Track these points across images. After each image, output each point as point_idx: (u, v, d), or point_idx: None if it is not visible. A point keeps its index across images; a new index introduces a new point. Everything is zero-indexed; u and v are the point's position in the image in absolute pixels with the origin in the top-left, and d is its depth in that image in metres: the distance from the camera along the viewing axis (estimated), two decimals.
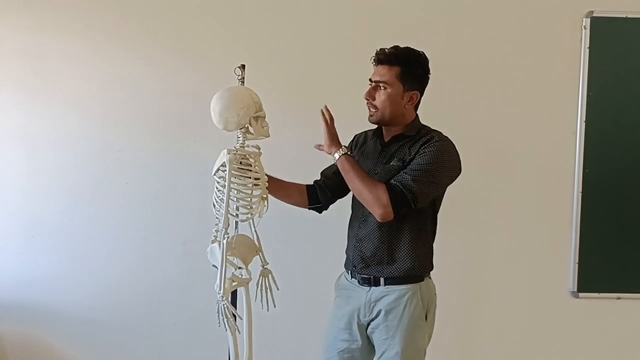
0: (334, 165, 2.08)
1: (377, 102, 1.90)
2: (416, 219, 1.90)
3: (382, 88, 1.89)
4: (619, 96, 2.65)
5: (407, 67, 1.88)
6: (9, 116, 2.68)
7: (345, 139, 2.12)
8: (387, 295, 1.90)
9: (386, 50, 1.89)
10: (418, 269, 1.92)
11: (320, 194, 2.10)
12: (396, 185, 1.81)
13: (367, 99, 1.92)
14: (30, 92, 2.67)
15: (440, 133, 1.94)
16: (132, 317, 2.75)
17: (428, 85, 1.91)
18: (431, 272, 1.98)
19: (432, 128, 1.97)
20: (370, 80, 1.93)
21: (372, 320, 1.94)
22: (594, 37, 2.62)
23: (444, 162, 1.85)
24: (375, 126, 2.03)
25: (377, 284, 1.92)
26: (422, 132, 1.94)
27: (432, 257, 1.98)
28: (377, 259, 1.92)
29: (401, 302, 1.88)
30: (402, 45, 1.90)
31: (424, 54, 1.90)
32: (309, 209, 2.12)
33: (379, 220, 1.85)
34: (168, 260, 2.72)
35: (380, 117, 1.92)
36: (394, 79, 1.87)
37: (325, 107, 1.92)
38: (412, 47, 1.89)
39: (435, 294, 1.98)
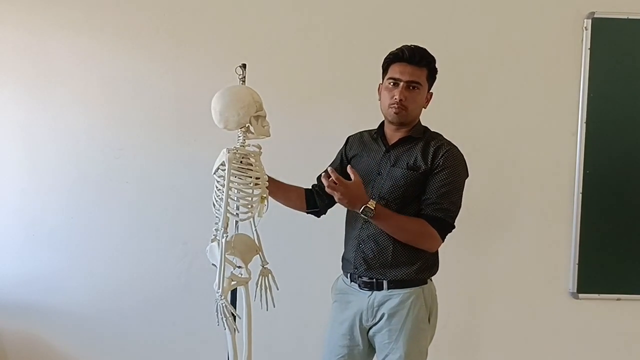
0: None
1: (408, 103, 1.84)
2: None
3: (413, 88, 1.85)
4: (620, 97, 2.64)
5: (432, 68, 1.89)
6: (10, 114, 2.68)
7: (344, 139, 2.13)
8: (391, 298, 1.87)
9: (414, 49, 1.85)
10: (422, 272, 1.89)
11: (318, 199, 2.08)
12: (436, 216, 1.82)
13: (400, 100, 1.83)
14: (31, 90, 2.67)
15: (443, 137, 1.94)
16: (132, 316, 2.75)
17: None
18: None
19: (432, 130, 1.97)
20: (395, 79, 1.85)
21: (375, 324, 1.91)
22: (595, 38, 2.61)
23: (462, 171, 1.88)
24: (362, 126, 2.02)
25: (379, 287, 1.89)
26: (427, 135, 1.93)
27: (438, 259, 1.96)
28: (380, 262, 1.88)
29: (405, 305, 1.86)
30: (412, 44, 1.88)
31: None
32: (307, 213, 2.10)
33: (430, 251, 1.89)
34: (168, 259, 2.72)
35: (408, 118, 1.88)
36: (424, 80, 1.87)
37: (326, 172, 1.75)
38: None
39: (436, 295, 1.96)
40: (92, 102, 2.67)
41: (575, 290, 2.70)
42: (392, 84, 1.86)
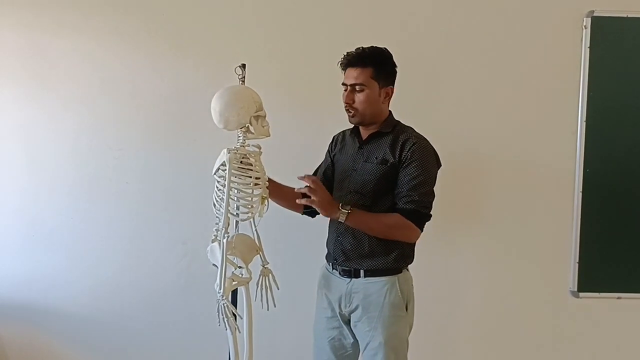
0: (320, 169, 2.18)
1: (356, 105, 1.95)
2: None
3: (358, 90, 1.94)
4: (620, 96, 2.64)
5: (379, 66, 1.95)
6: (9, 115, 2.68)
7: None
8: (366, 287, 1.96)
9: (354, 53, 1.95)
10: (398, 262, 1.97)
11: None
12: (407, 208, 1.89)
13: (347, 103, 1.95)
14: (30, 91, 2.66)
15: (414, 130, 2.01)
16: (132, 316, 2.75)
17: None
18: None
19: (404, 124, 2.03)
20: (343, 84, 1.97)
21: (352, 312, 1.99)
22: (595, 37, 2.61)
23: (430, 162, 1.95)
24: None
25: (357, 275, 1.98)
26: (397, 129, 2.00)
27: (413, 250, 2.03)
28: (357, 253, 1.97)
29: (381, 293, 1.94)
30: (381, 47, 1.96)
31: (387, 49, 1.98)
32: (303, 214, 2.15)
33: (410, 242, 1.97)
34: (168, 259, 2.72)
35: (361, 118, 1.98)
36: (369, 79, 1.94)
37: (304, 178, 1.86)
38: (377, 45, 1.97)
39: (412, 285, 2.03)
40: (92, 102, 2.66)
41: (575, 289, 2.70)
42: (344, 89, 1.98)
